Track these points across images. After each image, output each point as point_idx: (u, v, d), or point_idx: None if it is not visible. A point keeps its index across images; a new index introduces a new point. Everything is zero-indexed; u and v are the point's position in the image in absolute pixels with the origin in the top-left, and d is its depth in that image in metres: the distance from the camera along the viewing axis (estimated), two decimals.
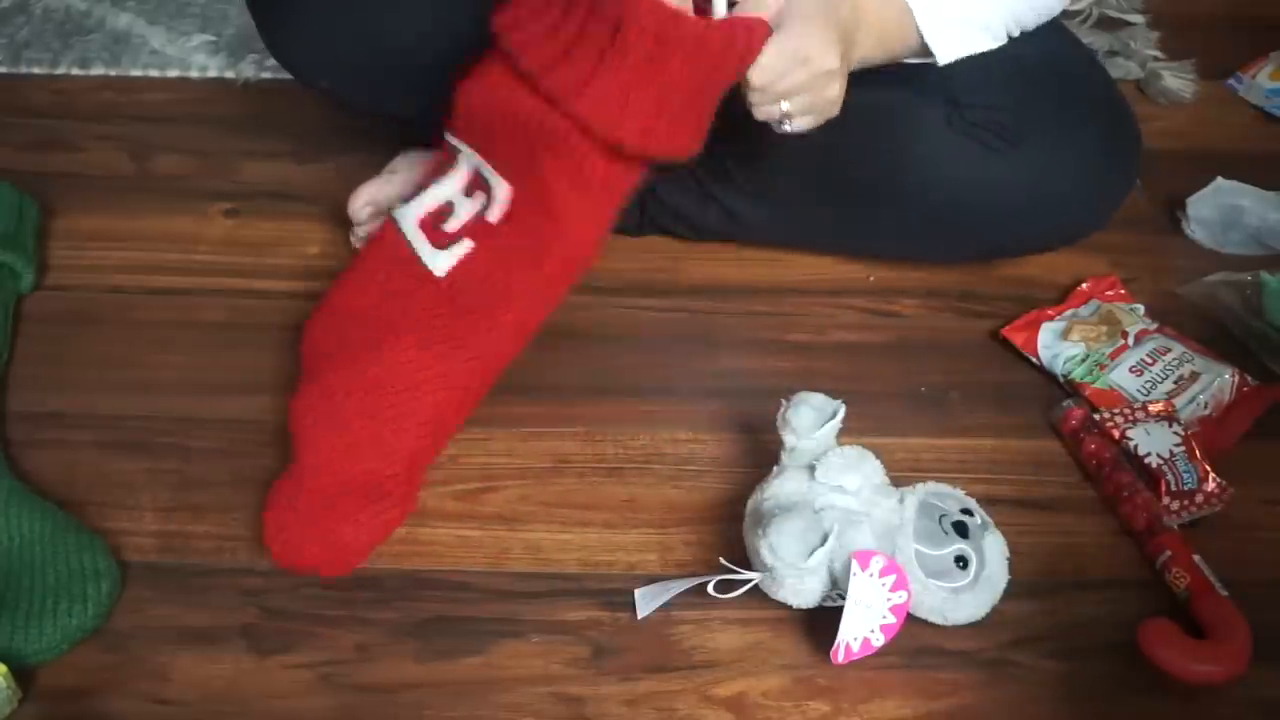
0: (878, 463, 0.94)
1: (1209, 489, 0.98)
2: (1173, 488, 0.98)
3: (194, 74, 1.43)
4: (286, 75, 1.20)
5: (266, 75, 1.41)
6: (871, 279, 1.18)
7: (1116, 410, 1.03)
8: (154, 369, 1.09)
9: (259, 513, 0.98)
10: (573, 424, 1.06)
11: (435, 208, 1.04)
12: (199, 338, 1.13)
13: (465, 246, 1.01)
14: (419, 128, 1.18)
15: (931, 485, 0.93)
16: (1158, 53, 1.44)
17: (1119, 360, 1.08)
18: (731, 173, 1.15)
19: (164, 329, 1.14)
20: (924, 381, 1.10)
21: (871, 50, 1.00)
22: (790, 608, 0.91)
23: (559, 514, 1.00)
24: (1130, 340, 1.09)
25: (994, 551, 0.91)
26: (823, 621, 0.90)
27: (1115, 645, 0.90)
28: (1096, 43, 1.45)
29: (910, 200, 1.11)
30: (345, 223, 1.20)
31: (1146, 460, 0.99)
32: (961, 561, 0.90)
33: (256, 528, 0.98)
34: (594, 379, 1.08)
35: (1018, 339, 1.12)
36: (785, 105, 0.96)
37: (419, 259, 1.02)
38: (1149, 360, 1.07)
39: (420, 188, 1.06)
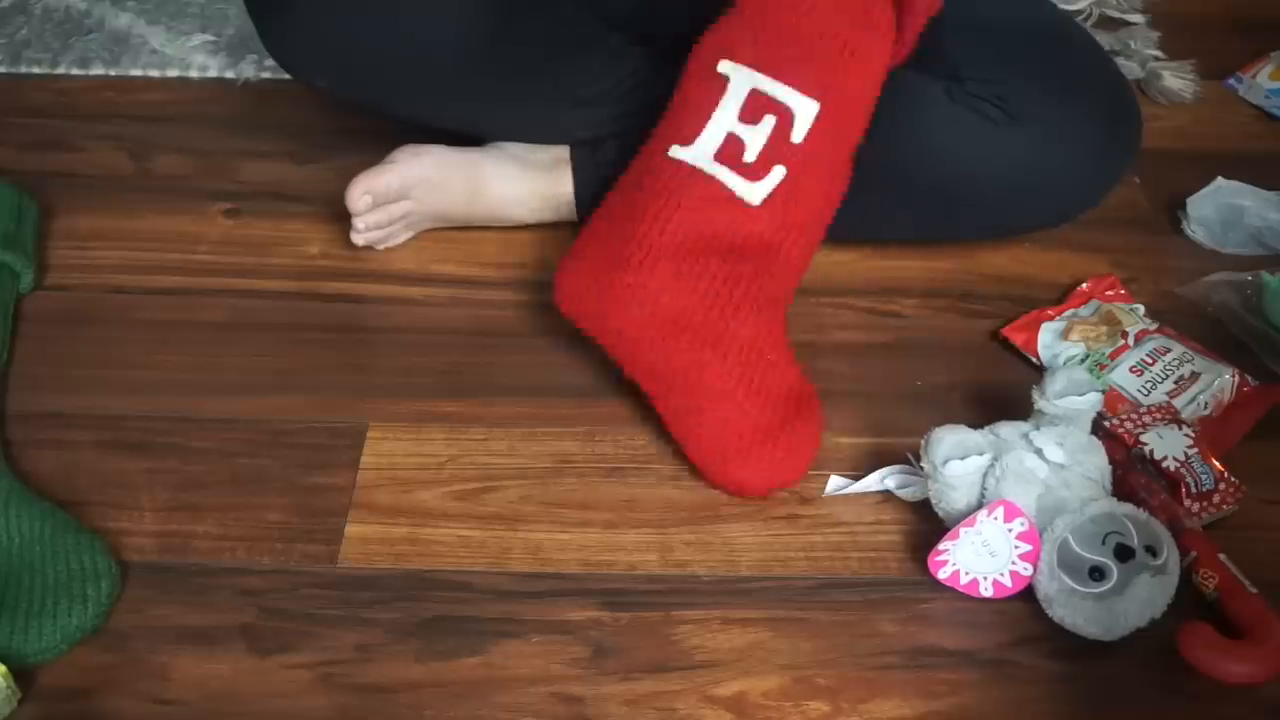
0: (1106, 464, 0.94)
1: (1224, 488, 0.97)
2: (1193, 490, 0.96)
3: (194, 74, 1.43)
4: (286, 75, 1.20)
5: (266, 75, 1.41)
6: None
7: (1125, 415, 1.02)
8: (154, 369, 1.09)
9: (259, 513, 0.98)
10: (573, 424, 1.06)
11: (722, 143, 1.00)
12: (199, 338, 1.12)
13: (779, 174, 1.00)
14: (419, 127, 1.18)
15: (1129, 508, 0.91)
16: (1158, 53, 1.44)
17: (1119, 360, 1.08)
18: None
19: (164, 329, 1.14)
20: (924, 381, 1.10)
21: None
22: (795, 606, 0.91)
23: (559, 514, 0.99)
24: (1130, 340, 1.09)
25: (1139, 591, 0.87)
26: (823, 622, 0.91)
27: (1115, 645, 0.90)
28: None
29: (913, 176, 1.10)
30: (346, 221, 1.20)
31: (1164, 464, 0.98)
32: (1097, 573, 0.88)
33: (256, 527, 0.98)
34: (594, 379, 1.08)
35: (1018, 339, 1.11)
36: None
37: (733, 194, 0.99)
38: (1149, 360, 1.07)
39: (683, 126, 1.01)
